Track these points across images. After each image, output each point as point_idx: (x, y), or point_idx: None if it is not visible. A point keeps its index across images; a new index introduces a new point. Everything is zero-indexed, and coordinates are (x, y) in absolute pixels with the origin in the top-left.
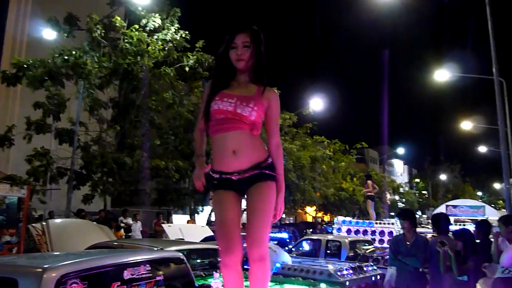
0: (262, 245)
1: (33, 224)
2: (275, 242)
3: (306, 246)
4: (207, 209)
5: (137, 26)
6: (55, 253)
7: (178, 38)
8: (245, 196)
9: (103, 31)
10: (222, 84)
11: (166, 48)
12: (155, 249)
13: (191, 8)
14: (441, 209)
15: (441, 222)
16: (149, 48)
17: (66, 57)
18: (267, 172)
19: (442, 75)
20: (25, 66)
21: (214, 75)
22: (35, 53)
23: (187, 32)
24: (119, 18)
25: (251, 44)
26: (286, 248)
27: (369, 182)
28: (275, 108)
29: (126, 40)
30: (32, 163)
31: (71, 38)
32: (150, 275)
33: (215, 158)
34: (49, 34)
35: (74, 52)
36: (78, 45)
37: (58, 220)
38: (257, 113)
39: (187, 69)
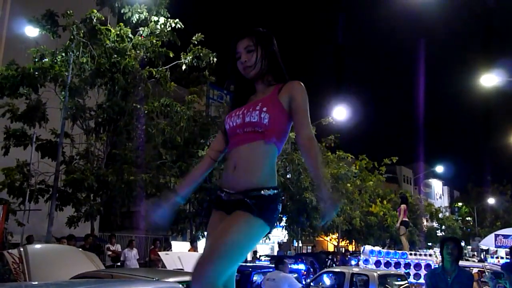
0: (199, 282)
1: (9, 250)
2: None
3: (327, 280)
4: None
5: (121, 24)
6: (35, 284)
7: (168, 29)
8: None
9: (83, 30)
10: (239, 103)
11: (153, 43)
12: (152, 280)
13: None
14: (489, 239)
15: None
16: (134, 41)
17: (47, 60)
18: (248, 201)
19: (490, 80)
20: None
21: (232, 96)
22: (16, 53)
23: (177, 20)
24: (95, 11)
25: (256, 46)
26: (304, 283)
27: (403, 206)
28: (298, 97)
29: (105, 37)
30: (10, 177)
31: (57, 38)
32: None
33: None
34: (31, 31)
35: (59, 57)
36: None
37: (37, 246)
38: (271, 114)
39: (183, 68)
